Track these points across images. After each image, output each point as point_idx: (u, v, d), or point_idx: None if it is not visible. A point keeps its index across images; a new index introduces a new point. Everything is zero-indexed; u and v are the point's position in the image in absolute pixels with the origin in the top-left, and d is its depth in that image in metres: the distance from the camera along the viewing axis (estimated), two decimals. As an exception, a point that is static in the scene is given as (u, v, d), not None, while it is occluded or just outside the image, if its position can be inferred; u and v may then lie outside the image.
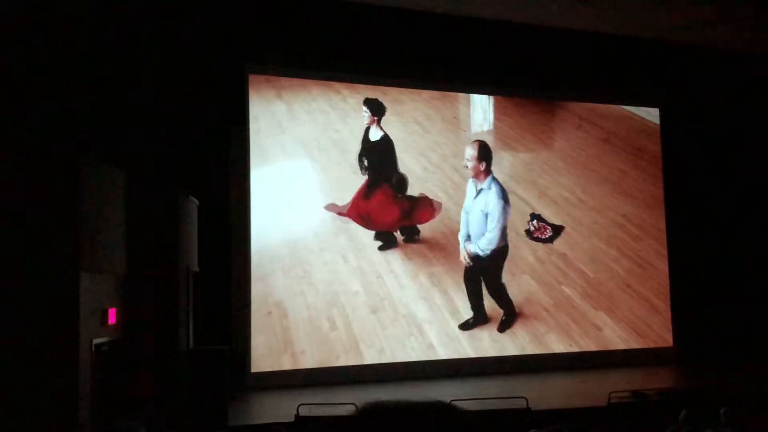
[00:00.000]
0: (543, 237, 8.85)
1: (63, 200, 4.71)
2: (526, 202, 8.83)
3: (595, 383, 7.21)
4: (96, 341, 4.90)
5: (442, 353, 7.88)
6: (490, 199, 8.12)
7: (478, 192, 8.16)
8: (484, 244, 8.15)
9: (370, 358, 7.56)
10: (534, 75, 8.65)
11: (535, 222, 8.83)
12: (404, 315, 7.85)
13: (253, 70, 7.70)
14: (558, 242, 8.84)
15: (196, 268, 6.39)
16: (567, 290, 8.69)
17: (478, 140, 8.43)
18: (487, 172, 8.21)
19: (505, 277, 8.42)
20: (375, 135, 8.17)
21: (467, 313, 8.13)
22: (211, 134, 7.09)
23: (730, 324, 8.60)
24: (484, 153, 8.25)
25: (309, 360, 7.35)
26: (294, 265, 7.53)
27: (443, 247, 8.23)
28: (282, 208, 7.61)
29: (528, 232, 8.77)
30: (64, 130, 5.28)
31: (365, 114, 8.16)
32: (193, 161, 6.76)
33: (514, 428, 4.88)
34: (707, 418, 3.42)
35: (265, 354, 7.29)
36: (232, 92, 7.45)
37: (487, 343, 8.16)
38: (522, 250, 8.62)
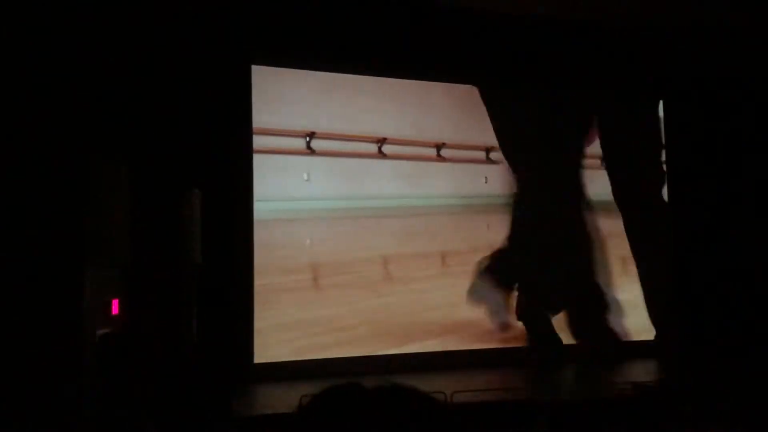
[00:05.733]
0: None
1: (67, 192, 4.72)
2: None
3: (596, 375, 7.22)
4: (100, 332, 4.92)
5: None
6: None
7: None
8: None
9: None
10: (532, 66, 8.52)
11: None
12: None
13: (258, 61, 7.66)
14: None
15: (200, 260, 6.40)
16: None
17: None
18: None
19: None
20: None
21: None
22: (215, 125, 7.07)
23: (734, 318, 8.57)
24: None
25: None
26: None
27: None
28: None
29: None
30: (67, 123, 5.28)
31: None
32: (197, 152, 6.75)
33: (514, 420, 4.90)
34: (711, 414, 3.43)
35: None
36: (235, 82, 7.41)
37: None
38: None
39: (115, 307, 5.16)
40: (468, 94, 8.58)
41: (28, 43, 5.32)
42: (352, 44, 7.70)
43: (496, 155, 8.53)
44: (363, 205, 8.05)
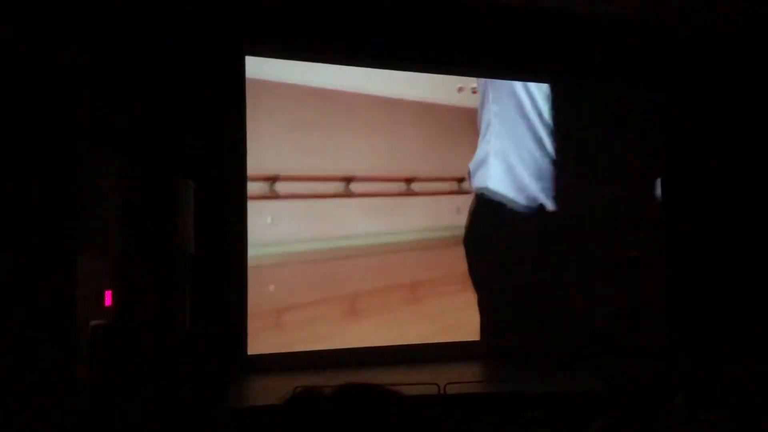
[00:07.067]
0: None
1: (60, 183, 4.70)
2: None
3: (589, 367, 7.24)
4: (93, 323, 4.91)
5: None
6: None
7: None
8: None
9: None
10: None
11: None
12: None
13: (251, 52, 7.61)
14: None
15: (193, 250, 6.38)
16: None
17: None
18: None
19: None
20: None
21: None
22: (208, 114, 7.04)
23: (726, 307, 8.60)
24: None
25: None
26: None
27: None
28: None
29: None
30: (59, 114, 5.24)
31: None
32: (190, 142, 6.72)
33: (507, 411, 4.91)
34: (704, 402, 3.44)
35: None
36: (228, 71, 7.37)
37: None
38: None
39: (108, 299, 5.15)
40: (438, 123, 8.24)
41: (21, 34, 5.27)
42: (348, 37, 7.68)
43: (468, 185, 8.21)
44: (331, 246, 7.57)
